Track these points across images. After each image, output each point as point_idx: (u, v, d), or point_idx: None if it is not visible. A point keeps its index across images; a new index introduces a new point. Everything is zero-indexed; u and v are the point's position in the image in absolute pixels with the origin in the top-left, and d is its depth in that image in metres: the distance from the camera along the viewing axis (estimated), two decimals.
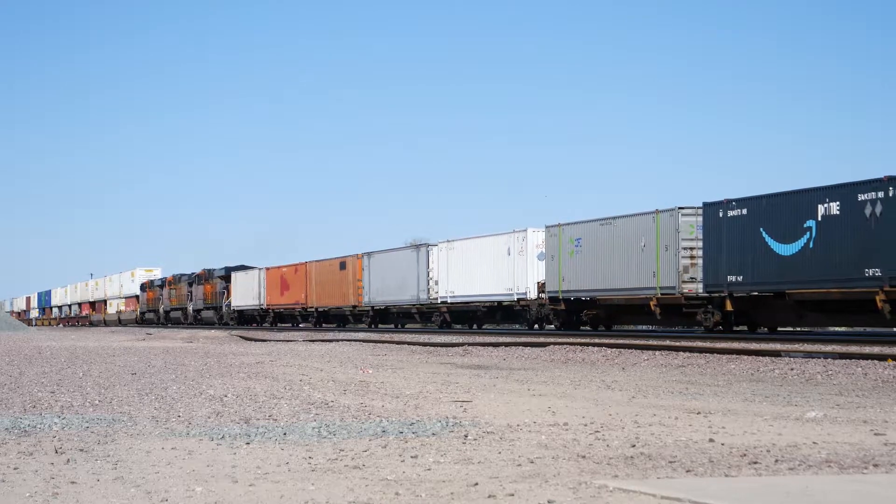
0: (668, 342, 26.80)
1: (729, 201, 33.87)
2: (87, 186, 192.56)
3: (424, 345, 32.46)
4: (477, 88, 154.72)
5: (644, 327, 44.26)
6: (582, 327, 41.88)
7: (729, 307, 34.32)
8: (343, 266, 61.09)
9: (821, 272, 30.42)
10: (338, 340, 38.30)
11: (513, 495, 6.81)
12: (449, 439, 9.54)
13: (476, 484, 7.21)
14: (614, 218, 39.38)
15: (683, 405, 12.67)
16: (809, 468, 7.82)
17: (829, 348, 22.81)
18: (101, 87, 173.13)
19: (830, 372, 17.81)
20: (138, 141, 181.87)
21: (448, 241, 51.37)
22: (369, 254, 58.33)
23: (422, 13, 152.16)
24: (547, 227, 43.45)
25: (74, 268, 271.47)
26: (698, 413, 11.65)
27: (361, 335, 43.03)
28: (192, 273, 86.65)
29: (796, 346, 24.49)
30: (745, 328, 35.92)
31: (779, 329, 36.20)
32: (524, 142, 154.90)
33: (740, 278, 33.42)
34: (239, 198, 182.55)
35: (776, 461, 8.11)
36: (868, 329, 31.64)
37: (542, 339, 30.62)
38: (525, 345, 29.03)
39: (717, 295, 34.60)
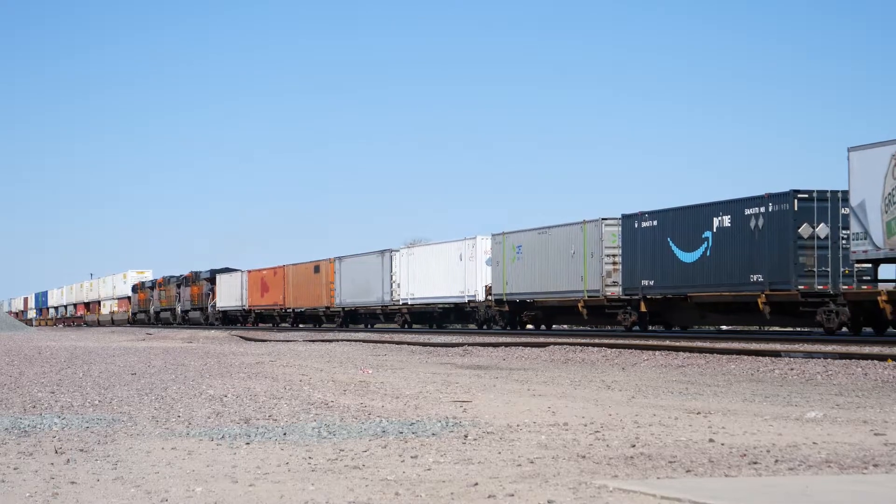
0: (667, 342, 26.79)
1: (643, 213, 38.22)
2: (85, 188, 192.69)
3: (424, 345, 32.45)
4: (467, 90, 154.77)
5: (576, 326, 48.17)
6: (527, 327, 46.07)
7: (643, 308, 38.38)
8: (317, 269, 64.65)
9: (716, 278, 34.79)
10: (337, 340, 38.29)
11: (513, 495, 6.81)
12: (449, 439, 9.54)
13: (476, 484, 7.21)
14: (549, 227, 43.68)
15: (683, 405, 12.67)
16: (809, 468, 7.82)
17: (829, 348, 22.80)
18: (99, 90, 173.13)
19: (830, 372, 17.80)
20: (135, 143, 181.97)
21: (408, 246, 56.34)
22: (340, 258, 62.13)
23: (408, 14, 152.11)
24: (493, 235, 47.47)
25: (71, 269, 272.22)
26: (698, 413, 11.65)
27: (361, 335, 43.04)
28: (181, 275, 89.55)
29: (796, 346, 24.48)
30: (661, 327, 40.28)
31: (688, 328, 40.54)
32: (518, 142, 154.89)
33: (652, 282, 37.73)
34: (231, 199, 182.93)
35: (776, 461, 8.11)
36: (868, 329, 32.39)
37: (541, 340, 30.61)
38: (525, 345, 29.01)
39: (633, 297, 38.64)
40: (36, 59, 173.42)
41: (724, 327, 40.81)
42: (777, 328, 39.17)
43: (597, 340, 29.97)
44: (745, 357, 21.18)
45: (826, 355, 20.30)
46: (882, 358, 19.19)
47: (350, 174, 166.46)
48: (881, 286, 30.09)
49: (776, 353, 21.27)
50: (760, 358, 20.83)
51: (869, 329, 31.65)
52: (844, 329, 31.35)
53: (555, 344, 28.32)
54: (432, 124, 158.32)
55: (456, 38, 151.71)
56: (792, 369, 18.53)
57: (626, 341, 27.94)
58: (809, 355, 20.64)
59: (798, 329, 37.40)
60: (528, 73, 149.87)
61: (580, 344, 28.02)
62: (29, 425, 10.90)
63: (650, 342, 26.82)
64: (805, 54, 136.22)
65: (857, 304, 30.73)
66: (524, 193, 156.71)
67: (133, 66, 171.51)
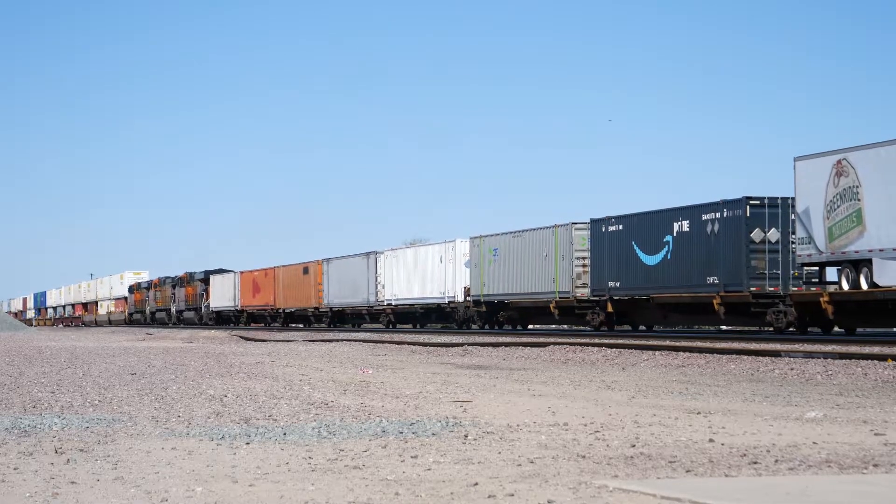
0: (668, 342, 26.79)
1: (609, 218, 40.43)
2: (84, 190, 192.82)
3: (424, 345, 32.45)
4: (465, 90, 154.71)
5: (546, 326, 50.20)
6: (504, 326, 47.53)
7: (610, 309, 40.30)
8: (306, 271, 66.49)
9: (676, 280, 36.60)
10: (337, 340, 38.29)
11: (513, 495, 6.81)
12: (449, 439, 9.54)
13: (476, 484, 7.21)
14: (523, 231, 45.48)
15: (683, 405, 12.67)
16: (809, 468, 7.82)
17: (829, 348, 22.80)
18: (97, 92, 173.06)
19: (830, 372, 17.80)
20: (133, 145, 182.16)
21: (392, 249, 58.09)
22: (328, 260, 63.89)
23: (394, 16, 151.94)
24: (471, 238, 49.40)
25: (70, 269, 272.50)
26: (698, 413, 11.65)
27: (361, 335, 43.05)
28: (176, 276, 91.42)
29: (796, 346, 24.48)
30: (629, 327, 41.97)
31: (653, 328, 42.28)
32: (518, 143, 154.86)
33: (618, 284, 39.50)
34: (227, 200, 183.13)
35: (776, 461, 8.11)
36: (815, 329, 33.02)
37: (541, 340, 30.61)
38: (525, 345, 29.01)
39: (601, 298, 40.54)
40: (36, 59, 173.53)
41: (723, 327, 40.94)
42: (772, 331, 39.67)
43: (597, 340, 29.98)
44: (745, 357, 21.18)
45: (826, 355, 20.30)
46: (882, 358, 19.20)
47: (343, 176, 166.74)
48: (830, 287, 31.69)
49: (776, 353, 21.27)
50: (760, 358, 20.83)
51: (816, 329, 32.92)
52: (791, 329, 32.79)
53: (555, 344, 28.32)
54: (426, 126, 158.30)
55: (448, 41, 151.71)
56: (792, 369, 18.53)
57: (626, 341, 27.94)
58: (809, 355, 20.63)
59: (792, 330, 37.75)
60: (518, 76, 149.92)
61: (580, 344, 28.01)
62: (29, 425, 10.90)
63: (650, 342, 26.82)
64: (777, 62, 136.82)
65: (803, 305, 32.28)
66: (512, 196, 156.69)
67: (132, 67, 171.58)
